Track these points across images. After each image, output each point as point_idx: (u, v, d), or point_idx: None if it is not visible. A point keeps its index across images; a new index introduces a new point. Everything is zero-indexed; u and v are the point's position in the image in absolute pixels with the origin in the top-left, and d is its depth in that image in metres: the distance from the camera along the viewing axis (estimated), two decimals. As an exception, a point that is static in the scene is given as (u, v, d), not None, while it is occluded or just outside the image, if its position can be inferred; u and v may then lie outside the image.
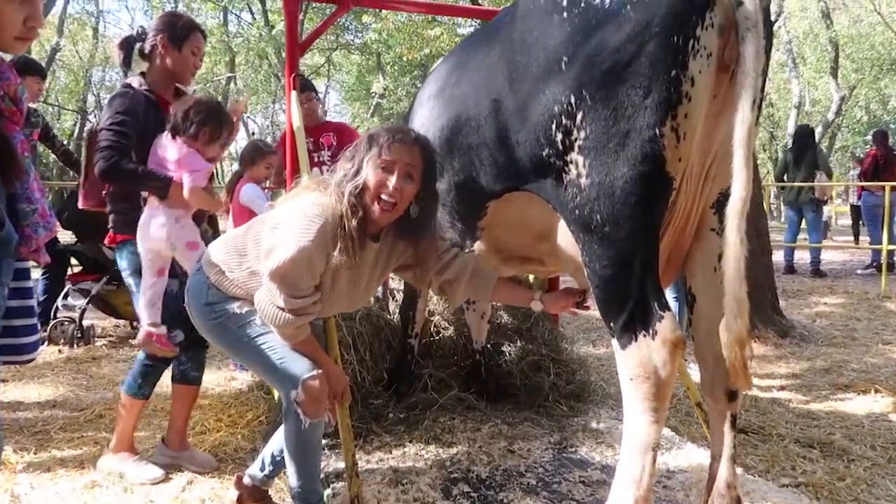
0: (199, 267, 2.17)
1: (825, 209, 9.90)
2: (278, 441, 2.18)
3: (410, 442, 2.83)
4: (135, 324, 5.19)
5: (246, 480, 2.29)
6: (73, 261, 5.52)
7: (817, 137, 13.48)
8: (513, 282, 2.72)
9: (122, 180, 2.50)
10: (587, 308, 2.27)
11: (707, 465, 2.00)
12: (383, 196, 1.96)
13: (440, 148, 2.27)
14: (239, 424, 3.25)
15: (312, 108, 4.32)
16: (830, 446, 2.99)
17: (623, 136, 1.64)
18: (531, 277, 3.53)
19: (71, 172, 7.81)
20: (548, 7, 1.80)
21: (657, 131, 1.60)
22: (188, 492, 2.53)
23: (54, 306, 5.02)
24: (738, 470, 2.17)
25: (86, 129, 6.28)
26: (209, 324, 2.11)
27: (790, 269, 9.06)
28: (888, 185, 7.84)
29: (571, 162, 1.76)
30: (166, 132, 2.51)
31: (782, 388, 3.98)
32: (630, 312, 1.72)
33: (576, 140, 1.74)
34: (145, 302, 2.50)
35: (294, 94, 3.19)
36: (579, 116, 1.71)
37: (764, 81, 1.71)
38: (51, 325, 4.92)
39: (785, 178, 9.04)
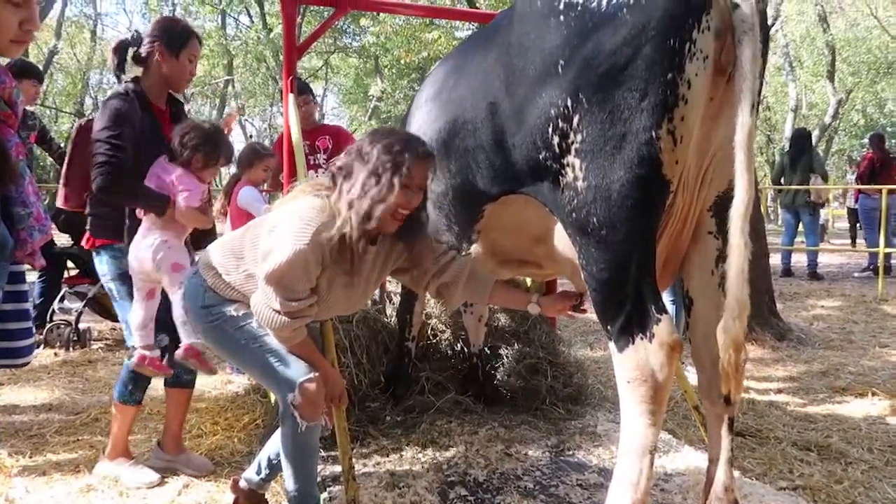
0: (196, 270, 2.16)
1: (822, 212, 9.92)
2: (275, 444, 2.17)
3: (407, 445, 2.82)
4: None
5: (242, 484, 2.28)
6: (70, 263, 5.50)
7: (814, 141, 13.54)
8: (510, 285, 2.72)
9: (120, 196, 2.50)
10: (584, 311, 2.27)
11: (704, 468, 1.99)
12: (401, 210, 1.97)
13: (437, 151, 2.27)
14: (235, 428, 3.24)
15: (309, 111, 4.33)
16: (828, 449, 2.99)
17: (619, 140, 1.64)
18: (528, 280, 3.53)
19: (68, 176, 7.76)
20: (544, 10, 1.80)
21: (653, 134, 1.60)
22: (184, 496, 2.52)
23: (50, 309, 5.00)
24: (736, 473, 2.17)
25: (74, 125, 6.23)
26: (206, 326, 2.11)
27: (787, 272, 9.07)
28: (885, 188, 7.86)
29: (568, 165, 1.76)
30: (164, 156, 2.52)
31: (779, 391, 3.98)
32: (627, 315, 1.72)
33: (572, 143, 1.74)
34: (137, 324, 2.49)
35: (291, 97, 3.19)
36: (576, 119, 1.71)
37: (761, 85, 1.71)
38: (47, 328, 4.89)
39: (782, 181, 9.06)
